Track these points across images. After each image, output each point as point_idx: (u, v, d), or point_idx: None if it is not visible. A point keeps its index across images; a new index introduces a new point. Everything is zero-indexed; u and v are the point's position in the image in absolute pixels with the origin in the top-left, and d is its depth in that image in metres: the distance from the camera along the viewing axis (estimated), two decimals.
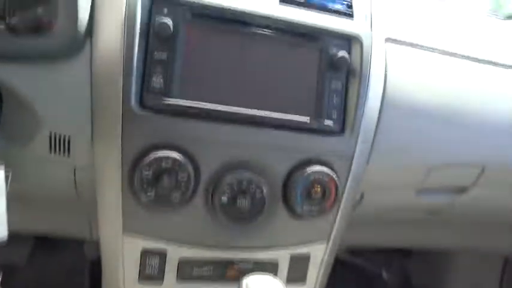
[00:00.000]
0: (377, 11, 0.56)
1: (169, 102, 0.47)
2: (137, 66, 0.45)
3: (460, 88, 0.60)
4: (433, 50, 0.60)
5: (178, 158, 0.46)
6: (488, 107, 0.61)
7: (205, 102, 0.48)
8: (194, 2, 0.47)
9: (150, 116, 0.46)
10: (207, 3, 0.48)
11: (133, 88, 0.45)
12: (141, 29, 0.45)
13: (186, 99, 0.47)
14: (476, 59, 0.62)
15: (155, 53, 0.46)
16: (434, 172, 0.61)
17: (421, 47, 0.59)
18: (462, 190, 0.66)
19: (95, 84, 0.46)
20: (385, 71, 0.55)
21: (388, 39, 0.57)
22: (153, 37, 0.46)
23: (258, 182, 0.49)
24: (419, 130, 0.58)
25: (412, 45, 0.59)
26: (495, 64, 0.63)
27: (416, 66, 0.58)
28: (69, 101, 0.47)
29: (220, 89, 0.49)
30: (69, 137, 0.48)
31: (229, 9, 0.48)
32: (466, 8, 0.96)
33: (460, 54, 0.61)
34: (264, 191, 0.49)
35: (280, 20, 0.50)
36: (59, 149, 0.48)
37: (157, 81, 0.46)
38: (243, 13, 0.49)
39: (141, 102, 0.46)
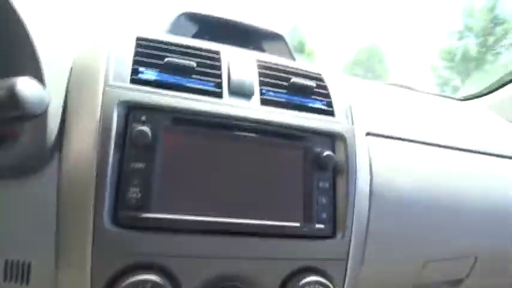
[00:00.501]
0: (356, 106, 0.56)
1: (147, 216, 0.42)
2: (111, 179, 0.41)
3: (447, 177, 0.60)
4: (413, 141, 0.60)
5: (157, 281, 0.40)
6: (477, 195, 0.61)
7: (187, 214, 0.43)
8: (175, 107, 0.45)
9: (125, 234, 0.41)
10: (188, 108, 0.46)
11: (107, 203, 0.41)
12: (116, 137, 0.42)
13: (166, 213, 0.43)
14: (457, 148, 0.63)
15: (131, 163, 0.43)
16: (430, 266, 0.58)
17: (402, 139, 0.60)
18: (458, 283, 0.63)
19: (62, 201, 0.41)
20: (370, 166, 0.54)
21: (369, 134, 0.57)
22: (130, 146, 0.43)
23: None
24: (411, 222, 0.56)
25: (392, 137, 0.59)
26: (477, 152, 0.64)
27: (400, 159, 0.58)
28: (30, 221, 0.41)
29: (202, 198, 0.45)
30: (29, 263, 0.41)
31: (211, 113, 0.47)
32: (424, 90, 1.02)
33: (441, 144, 0.62)
34: None
35: (262, 122, 0.49)
36: (16, 277, 0.41)
37: (133, 194, 0.42)
38: (224, 117, 0.47)
39: (115, 219, 0.41)
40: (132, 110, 0.44)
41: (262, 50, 0.65)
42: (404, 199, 0.56)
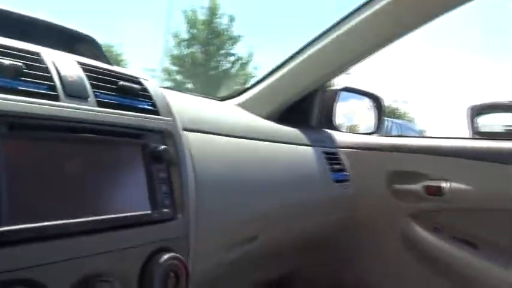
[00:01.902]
0: (174, 106, 0.65)
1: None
2: None
3: (252, 162, 0.78)
4: (221, 134, 0.75)
5: None
6: (271, 173, 0.81)
7: (38, 221, 0.41)
8: (11, 111, 0.41)
9: None
10: (26, 112, 0.43)
11: None
12: None
13: (18, 223, 0.40)
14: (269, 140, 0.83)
15: None
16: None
17: (217, 133, 0.73)
18: (254, 239, 0.81)
19: None
20: (192, 156, 0.64)
21: (185, 129, 0.67)
22: None
23: None
24: (231, 202, 0.71)
25: (208, 132, 0.71)
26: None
27: (214, 149, 0.71)
28: None
29: (51, 203, 0.43)
30: None
31: (51, 116, 0.45)
32: None
33: (249, 137, 0.80)
34: None
35: (102, 123, 0.50)
36: None
37: None
38: (65, 119, 0.46)
39: None
40: None
41: (73, 52, 0.63)
42: (220, 182, 0.69)
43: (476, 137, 5.56)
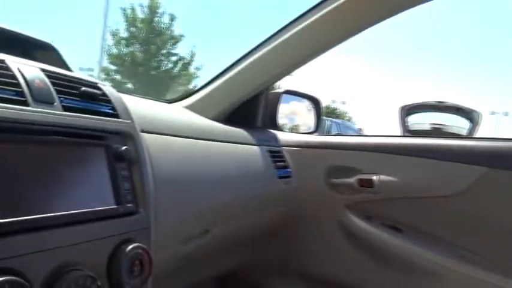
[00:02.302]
0: (131, 109, 0.69)
1: None
2: None
3: (204, 161, 0.84)
4: (179, 136, 0.80)
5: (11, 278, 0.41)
6: (219, 168, 0.88)
7: (16, 216, 0.45)
8: None
9: None
10: None
11: None
12: None
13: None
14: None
15: None
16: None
17: (172, 135, 0.79)
18: (207, 232, 0.88)
19: None
20: (150, 155, 0.69)
21: (144, 131, 0.71)
22: None
23: (92, 276, 0.51)
24: (187, 197, 0.77)
25: (163, 134, 0.77)
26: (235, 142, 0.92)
27: (169, 149, 0.76)
28: None
29: (26, 200, 0.47)
30: None
31: (22, 120, 0.48)
32: None
33: (200, 138, 0.86)
34: (99, 283, 0.51)
35: (69, 126, 0.54)
36: None
37: None
38: (35, 123, 0.50)
39: None
40: None
41: (35, 59, 0.65)
42: (176, 180, 0.75)
43: (407, 134, 6.00)
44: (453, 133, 6.17)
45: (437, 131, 6.22)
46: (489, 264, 0.94)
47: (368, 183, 1.06)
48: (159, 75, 18.37)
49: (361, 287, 1.11)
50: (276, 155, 1.10)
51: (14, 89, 0.50)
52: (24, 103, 0.50)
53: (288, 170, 1.12)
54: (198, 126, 0.97)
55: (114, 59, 18.21)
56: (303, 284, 1.21)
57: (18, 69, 0.53)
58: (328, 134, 7.58)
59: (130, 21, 17.97)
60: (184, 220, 0.77)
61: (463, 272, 0.96)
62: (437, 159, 1.00)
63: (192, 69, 19.67)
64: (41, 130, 0.51)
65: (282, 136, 1.22)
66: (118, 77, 18.76)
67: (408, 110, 6.09)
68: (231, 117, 1.14)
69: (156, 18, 18.48)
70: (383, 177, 1.05)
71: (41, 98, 0.52)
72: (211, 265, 1.04)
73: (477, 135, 6.28)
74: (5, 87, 0.50)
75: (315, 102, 1.43)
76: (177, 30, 18.93)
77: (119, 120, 0.64)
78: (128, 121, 0.66)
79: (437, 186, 1.00)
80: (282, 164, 1.11)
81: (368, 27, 1.03)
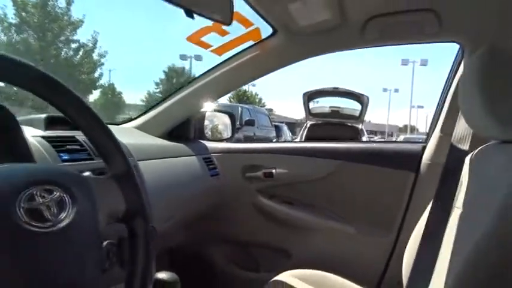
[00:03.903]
0: None
1: None
2: None
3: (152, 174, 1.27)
4: (145, 159, 1.23)
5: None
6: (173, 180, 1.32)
7: None
8: None
9: None
10: None
11: None
12: None
13: None
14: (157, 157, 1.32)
15: None
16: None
17: (143, 159, 1.21)
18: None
19: None
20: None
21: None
22: None
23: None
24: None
25: (134, 158, 1.19)
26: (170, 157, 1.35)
27: (145, 171, 1.19)
28: None
29: None
30: None
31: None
32: None
33: (157, 157, 1.28)
34: None
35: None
36: None
37: None
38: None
39: None
40: None
41: None
42: (150, 188, 1.18)
43: (310, 117, 6.76)
44: (348, 114, 7.21)
45: (335, 113, 7.20)
46: (342, 219, 1.55)
47: (269, 175, 1.60)
48: (58, 64, 17.17)
49: (267, 242, 1.66)
50: (207, 160, 1.58)
51: None
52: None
53: (216, 170, 1.61)
54: (151, 146, 1.39)
55: (5, 47, 16.56)
56: (228, 247, 1.72)
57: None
58: (242, 140, 8.25)
59: (20, 5, 16.43)
60: (159, 209, 1.21)
61: (328, 226, 1.56)
62: (310, 156, 1.57)
63: (95, 56, 18.70)
64: None
65: (209, 145, 1.70)
66: None
67: (310, 96, 6.93)
68: (171, 133, 1.58)
69: (51, 2, 17.11)
70: (279, 170, 1.59)
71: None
72: (170, 239, 1.50)
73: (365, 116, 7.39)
74: None
75: (230, 116, 1.93)
76: (75, 15, 17.76)
77: None
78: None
79: (311, 174, 1.57)
80: (212, 166, 1.59)
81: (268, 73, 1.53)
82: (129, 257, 0.59)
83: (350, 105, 7.19)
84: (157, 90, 26.09)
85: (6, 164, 0.50)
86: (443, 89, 1.41)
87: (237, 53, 1.47)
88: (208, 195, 1.56)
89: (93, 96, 23.27)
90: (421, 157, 1.42)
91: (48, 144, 0.84)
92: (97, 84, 20.21)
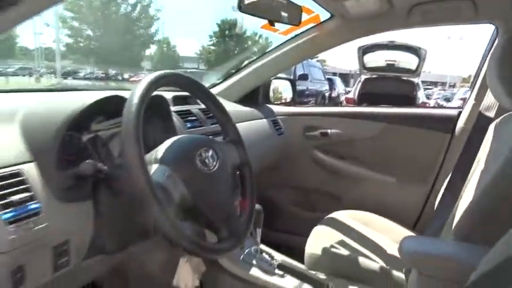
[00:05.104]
0: None
1: None
2: None
3: None
4: None
5: None
6: None
7: None
8: None
9: None
10: None
11: None
12: None
13: None
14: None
15: None
16: None
17: None
18: None
19: None
20: None
21: None
22: None
23: None
24: None
25: None
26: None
27: None
28: None
29: None
30: None
31: None
32: None
33: (239, 121, 1.66)
34: None
35: None
36: None
37: None
38: None
39: None
40: None
41: None
42: None
43: (364, 72, 6.84)
44: (403, 68, 7.13)
45: (390, 67, 7.16)
46: (385, 171, 1.86)
47: (325, 134, 1.93)
48: (118, 20, 17.95)
49: (322, 188, 2.02)
50: (275, 122, 1.94)
51: None
52: None
53: (282, 129, 1.96)
54: (234, 112, 1.75)
55: (70, 5, 17.53)
56: (290, 192, 2.10)
57: None
58: (303, 104, 8.53)
59: None
60: None
61: (373, 177, 1.88)
62: (358, 119, 1.88)
63: (152, 11, 19.23)
64: None
65: (275, 108, 2.05)
66: (76, 23, 18.18)
67: (364, 50, 6.92)
68: (243, 99, 1.94)
69: None
70: (333, 130, 1.92)
71: None
72: None
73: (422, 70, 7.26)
74: None
75: (291, 82, 2.25)
76: None
77: None
78: None
79: (359, 134, 1.88)
80: (278, 127, 1.95)
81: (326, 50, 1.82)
82: (242, 187, 0.99)
83: (406, 59, 7.09)
84: (211, 42, 26.41)
85: (172, 135, 0.89)
86: (480, 63, 1.62)
87: (299, 33, 1.77)
88: (275, 151, 1.93)
89: (150, 50, 24.10)
90: (457, 121, 1.67)
91: (178, 117, 1.23)
92: (154, 39, 20.83)
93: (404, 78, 7.17)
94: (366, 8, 1.47)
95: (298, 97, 9.19)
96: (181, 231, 0.74)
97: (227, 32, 25.87)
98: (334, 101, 11.65)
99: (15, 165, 0.73)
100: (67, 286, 0.91)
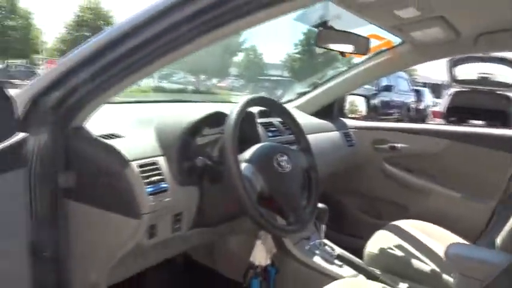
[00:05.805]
0: None
1: None
2: None
3: None
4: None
5: None
6: None
7: None
8: None
9: None
10: None
11: None
12: None
13: None
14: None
15: None
16: None
17: None
18: None
19: None
20: None
21: None
22: None
23: None
24: None
25: None
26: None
27: None
28: None
29: None
30: None
31: None
32: None
33: (310, 132, 1.92)
34: None
35: None
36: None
37: None
38: None
39: None
40: None
41: None
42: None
43: (454, 84, 6.55)
44: (499, 81, 6.68)
45: (484, 80, 6.74)
46: (450, 186, 1.97)
47: (394, 148, 2.09)
48: None
49: (388, 197, 2.16)
50: (346, 134, 2.15)
51: None
52: None
53: (353, 142, 2.16)
54: (310, 124, 2.01)
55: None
56: (357, 198, 2.27)
57: None
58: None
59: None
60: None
61: (438, 190, 2.00)
62: (423, 134, 2.02)
63: None
64: None
65: (348, 122, 2.25)
66: None
67: (455, 62, 6.61)
68: (319, 112, 2.18)
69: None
70: (401, 144, 2.08)
71: None
72: None
73: None
74: None
75: (365, 98, 2.44)
76: None
77: None
78: None
79: (425, 149, 2.02)
80: (349, 139, 2.16)
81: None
82: (308, 187, 1.25)
83: (501, 72, 6.63)
84: (296, 51, 26.80)
85: (256, 143, 1.19)
86: None
87: (373, 55, 1.97)
88: (345, 160, 2.13)
89: (238, 57, 25.21)
90: None
91: (262, 127, 1.53)
92: (242, 47, 21.81)
93: (499, 92, 6.73)
94: (433, 37, 1.64)
95: (382, 108, 9.05)
96: (260, 212, 1.03)
97: (312, 40, 26.05)
98: (421, 114, 11.19)
99: (152, 157, 1.08)
100: (175, 246, 1.25)
